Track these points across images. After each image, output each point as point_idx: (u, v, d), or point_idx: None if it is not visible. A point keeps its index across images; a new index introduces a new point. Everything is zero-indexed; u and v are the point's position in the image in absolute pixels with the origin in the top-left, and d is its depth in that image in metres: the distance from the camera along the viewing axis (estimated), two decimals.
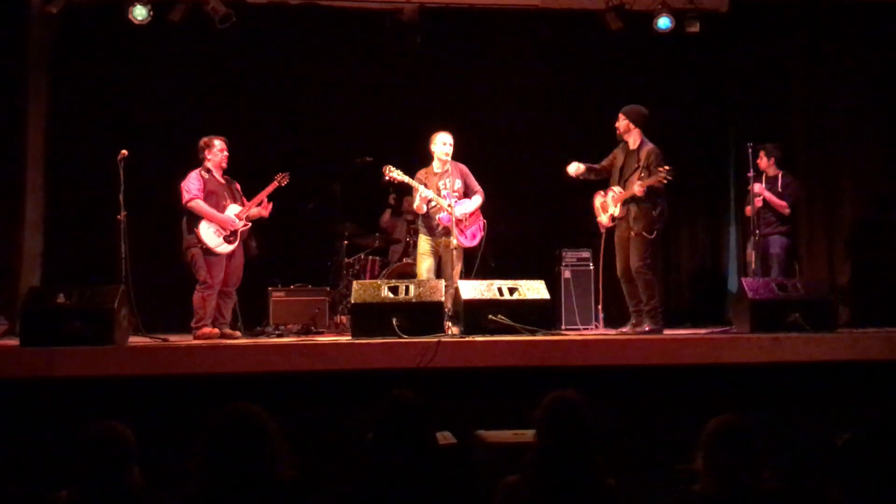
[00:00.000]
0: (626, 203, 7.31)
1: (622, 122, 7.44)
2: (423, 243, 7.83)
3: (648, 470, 5.05)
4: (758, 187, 8.29)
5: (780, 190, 8.38)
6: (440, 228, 7.75)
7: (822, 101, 9.85)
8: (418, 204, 7.75)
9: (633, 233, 7.27)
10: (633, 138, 7.41)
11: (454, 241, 7.54)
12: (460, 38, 10.03)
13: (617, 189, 7.40)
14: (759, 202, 8.31)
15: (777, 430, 5.21)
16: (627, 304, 7.55)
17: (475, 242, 7.88)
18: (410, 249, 8.63)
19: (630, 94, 10.02)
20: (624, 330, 7.52)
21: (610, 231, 7.62)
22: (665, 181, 7.06)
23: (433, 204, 7.75)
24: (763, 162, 8.45)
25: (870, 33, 9.50)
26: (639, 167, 7.27)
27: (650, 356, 6.07)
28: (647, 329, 7.22)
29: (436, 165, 7.87)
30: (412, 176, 7.78)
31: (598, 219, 7.62)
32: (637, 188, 7.14)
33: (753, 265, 8.19)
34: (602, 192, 7.59)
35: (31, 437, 5.37)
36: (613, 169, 7.52)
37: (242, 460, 3.07)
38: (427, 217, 7.82)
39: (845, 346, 6.18)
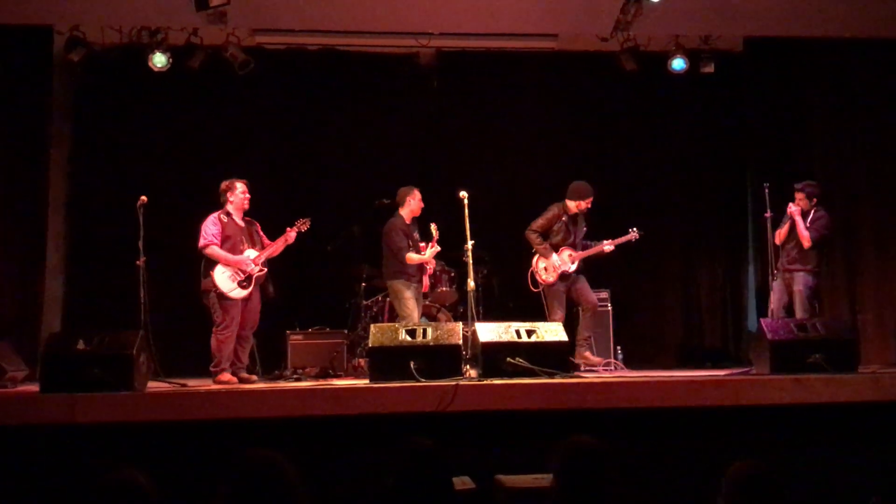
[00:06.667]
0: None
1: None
2: (408, 290, 8.02)
3: None
4: (792, 207, 8.17)
5: (807, 224, 8.25)
6: (416, 275, 8.09)
7: (842, 139, 9.80)
8: (430, 256, 8.07)
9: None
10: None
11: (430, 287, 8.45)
12: (477, 82, 10.11)
13: (568, 252, 8.47)
14: (782, 233, 8.25)
15: (799, 473, 5.15)
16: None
17: None
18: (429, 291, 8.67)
19: (645, 135, 10.14)
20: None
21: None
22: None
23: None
24: (804, 203, 8.22)
25: (890, 70, 9.47)
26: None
27: (669, 398, 6.02)
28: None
29: (406, 218, 8.13)
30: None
31: (543, 278, 8.46)
32: (607, 247, 8.59)
33: (773, 305, 8.12)
34: (546, 258, 8.42)
35: (50, 483, 5.37)
36: (559, 234, 8.52)
37: None
38: (413, 266, 8.06)
39: (867, 387, 6.11)
